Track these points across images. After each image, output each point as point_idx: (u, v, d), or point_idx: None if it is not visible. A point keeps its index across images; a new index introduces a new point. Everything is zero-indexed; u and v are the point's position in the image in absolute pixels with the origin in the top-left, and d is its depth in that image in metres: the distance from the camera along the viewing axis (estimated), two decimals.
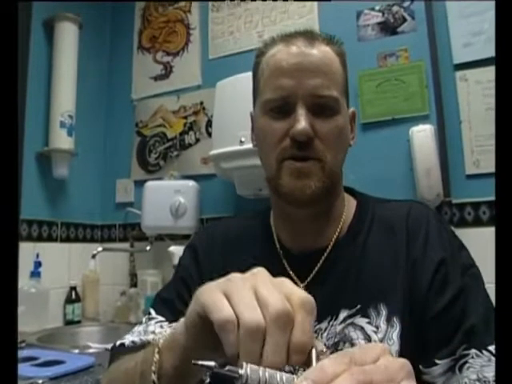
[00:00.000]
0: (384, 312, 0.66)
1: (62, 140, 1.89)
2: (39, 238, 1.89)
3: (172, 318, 0.74)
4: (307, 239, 0.73)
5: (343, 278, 0.69)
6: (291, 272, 0.72)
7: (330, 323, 0.67)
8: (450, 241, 0.70)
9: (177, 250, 1.69)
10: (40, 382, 1.06)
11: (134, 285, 1.96)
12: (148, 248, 1.92)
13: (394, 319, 0.65)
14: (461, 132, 1.59)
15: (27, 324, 1.65)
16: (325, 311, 0.68)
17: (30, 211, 1.83)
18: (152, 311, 0.78)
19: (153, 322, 0.76)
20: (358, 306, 0.67)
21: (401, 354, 0.63)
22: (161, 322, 0.76)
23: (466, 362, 0.60)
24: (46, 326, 1.76)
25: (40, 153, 1.90)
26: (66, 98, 1.92)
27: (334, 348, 0.66)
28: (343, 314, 0.67)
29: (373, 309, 0.66)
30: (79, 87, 2.00)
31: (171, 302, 0.78)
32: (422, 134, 1.52)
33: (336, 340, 0.66)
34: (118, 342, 0.75)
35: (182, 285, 0.79)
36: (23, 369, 1.16)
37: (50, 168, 1.92)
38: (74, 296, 1.93)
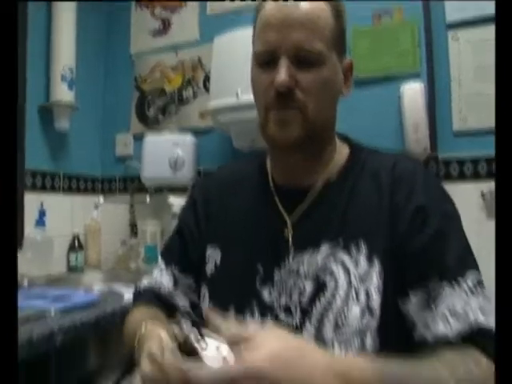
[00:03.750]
0: (364, 250, 0.70)
1: (63, 93, 1.93)
2: (43, 189, 1.95)
3: (175, 266, 0.86)
4: (297, 179, 0.78)
5: (328, 215, 0.74)
6: (281, 207, 0.78)
7: (312, 254, 0.72)
8: (435, 191, 0.74)
9: (176, 201, 1.77)
10: (52, 313, 1.15)
11: (134, 235, 2.05)
12: (148, 199, 2.00)
13: (374, 258, 0.69)
14: (450, 90, 1.65)
15: (34, 269, 1.74)
16: (308, 243, 0.73)
17: (34, 162, 1.89)
18: (159, 258, 0.90)
19: (158, 269, 0.89)
20: (340, 241, 0.71)
21: (382, 294, 0.68)
22: (165, 269, 0.88)
23: (439, 297, 0.65)
24: (51, 272, 1.85)
25: (42, 106, 1.94)
26: (66, 51, 1.95)
27: (314, 278, 0.71)
28: (325, 247, 0.72)
29: (354, 245, 0.71)
30: (79, 42, 2.02)
31: (173, 252, 0.89)
32: (412, 91, 1.58)
33: (317, 270, 0.71)
34: (140, 286, 0.90)
35: (181, 235, 0.88)
36: (35, 303, 1.25)
37: (52, 121, 1.97)
38: (76, 244, 2.02)
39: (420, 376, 0.56)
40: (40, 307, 1.18)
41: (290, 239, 0.75)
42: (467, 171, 1.61)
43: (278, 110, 0.72)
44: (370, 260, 0.70)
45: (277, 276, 0.74)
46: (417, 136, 1.54)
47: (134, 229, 2.05)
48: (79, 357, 1.19)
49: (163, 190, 2.01)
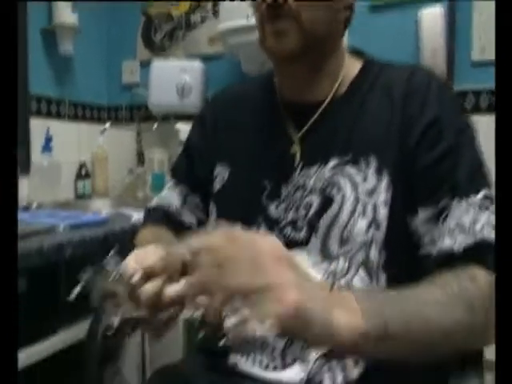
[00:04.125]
0: (374, 163, 0.68)
1: (66, 15, 1.86)
2: (48, 115, 1.93)
3: (183, 184, 0.87)
4: (304, 93, 0.76)
5: (337, 129, 0.72)
6: (288, 122, 0.76)
7: (319, 169, 0.71)
8: (450, 102, 0.71)
9: (183, 127, 1.75)
10: (61, 228, 1.16)
11: (141, 163, 2.04)
12: (155, 127, 1.97)
13: (384, 172, 0.67)
14: (471, 16, 1.57)
15: (42, 195, 1.75)
16: (315, 158, 0.72)
17: (38, 88, 1.86)
18: (168, 177, 0.91)
19: (167, 188, 0.90)
20: (349, 155, 0.70)
21: (389, 207, 0.67)
22: (173, 188, 0.88)
23: (448, 213, 0.63)
24: (58, 199, 1.85)
25: (45, 29, 1.88)
26: None
27: (321, 192, 0.70)
28: (333, 162, 0.70)
29: (363, 159, 0.69)
30: None
31: (181, 170, 0.89)
32: (431, 15, 1.51)
33: (324, 185, 0.70)
34: (149, 205, 0.92)
35: (189, 154, 0.88)
36: (43, 220, 1.26)
37: (56, 45, 1.91)
38: (84, 172, 2.02)
39: (407, 298, 0.55)
40: (49, 223, 1.19)
41: (298, 154, 0.74)
42: (483, 103, 1.57)
43: (271, 20, 0.69)
44: (378, 174, 0.68)
45: (284, 191, 0.74)
46: (434, 61, 1.48)
47: (141, 157, 2.04)
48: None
49: (170, 118, 1.97)
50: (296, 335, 0.49)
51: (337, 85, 0.75)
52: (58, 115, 1.98)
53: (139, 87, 2.09)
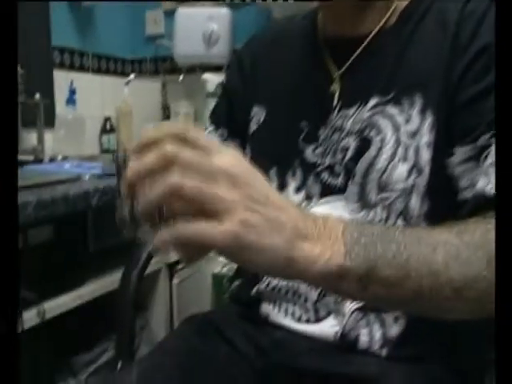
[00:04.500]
0: (419, 102, 0.62)
1: None
2: (71, 68, 1.89)
3: (222, 128, 0.81)
4: (350, 25, 0.69)
5: (380, 66, 0.66)
6: (329, 60, 0.70)
7: (358, 110, 0.65)
8: None
9: (211, 78, 1.68)
10: (86, 176, 1.13)
11: (166, 117, 1.99)
12: (181, 78, 1.91)
13: (428, 111, 0.61)
14: None
15: (67, 149, 1.72)
16: (354, 98, 0.66)
17: (61, 39, 1.81)
18: (208, 121, 0.85)
19: (206, 132, 0.83)
20: (392, 94, 0.63)
21: (432, 150, 0.60)
22: (213, 132, 0.82)
23: (488, 153, 0.56)
24: (83, 153, 1.83)
25: None
26: None
27: (359, 134, 0.65)
28: (373, 101, 0.64)
29: (407, 98, 0.63)
30: None
31: (220, 114, 0.83)
32: None
33: (362, 126, 0.65)
34: None
35: (227, 97, 0.83)
36: (69, 169, 1.23)
37: None
38: (108, 127, 1.98)
39: (414, 239, 0.47)
40: (75, 172, 1.16)
41: (337, 94, 0.68)
42: None
43: None
44: (423, 113, 0.61)
45: (322, 134, 0.68)
46: None
47: (166, 111, 1.99)
48: (114, 219, 1.18)
49: (196, 69, 1.90)
50: (236, 260, 0.44)
51: (387, 16, 0.67)
52: (82, 68, 1.94)
53: (164, 38, 2.02)
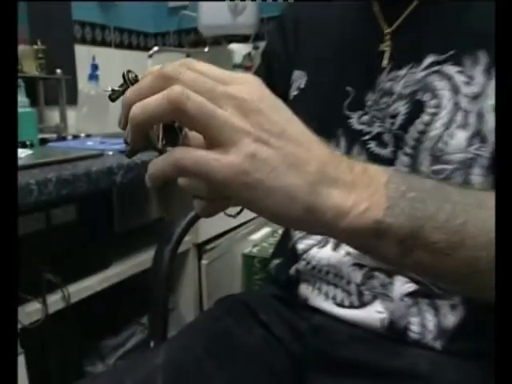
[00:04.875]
0: (483, 61, 0.53)
1: None
2: (93, 42, 1.83)
3: None
4: None
5: (437, 20, 0.57)
6: (380, 16, 0.61)
7: (411, 70, 0.57)
8: None
9: (238, 48, 1.59)
10: (110, 153, 1.07)
11: None
12: (206, 49, 1.82)
13: (494, 70, 0.52)
14: None
15: (90, 126, 1.67)
16: (407, 57, 0.57)
17: (81, 13, 1.75)
18: None
19: None
20: (451, 52, 0.55)
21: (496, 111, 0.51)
22: None
23: None
24: (107, 131, 1.78)
25: None
26: None
27: (411, 97, 0.56)
28: (429, 60, 0.56)
29: (469, 56, 0.54)
30: None
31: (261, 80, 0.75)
32: None
33: (415, 89, 0.56)
34: None
35: (268, 63, 0.76)
36: (93, 146, 1.17)
37: None
38: None
39: (475, 199, 0.38)
40: (99, 148, 1.10)
41: (387, 53, 0.59)
42: None
43: None
44: (487, 73, 0.52)
45: (369, 100, 0.60)
46: None
47: None
48: (140, 198, 1.13)
49: (222, 40, 1.81)
50: (242, 201, 0.34)
51: None
52: (103, 42, 1.87)
53: (187, 9, 1.93)
